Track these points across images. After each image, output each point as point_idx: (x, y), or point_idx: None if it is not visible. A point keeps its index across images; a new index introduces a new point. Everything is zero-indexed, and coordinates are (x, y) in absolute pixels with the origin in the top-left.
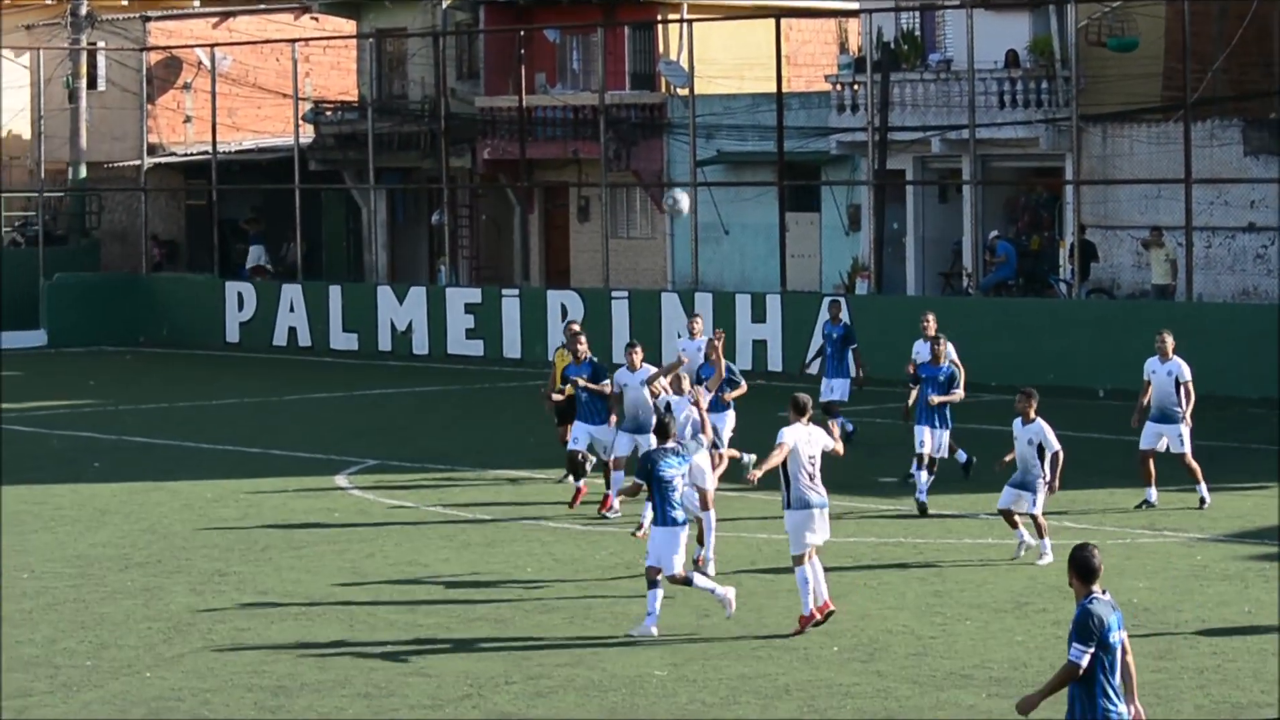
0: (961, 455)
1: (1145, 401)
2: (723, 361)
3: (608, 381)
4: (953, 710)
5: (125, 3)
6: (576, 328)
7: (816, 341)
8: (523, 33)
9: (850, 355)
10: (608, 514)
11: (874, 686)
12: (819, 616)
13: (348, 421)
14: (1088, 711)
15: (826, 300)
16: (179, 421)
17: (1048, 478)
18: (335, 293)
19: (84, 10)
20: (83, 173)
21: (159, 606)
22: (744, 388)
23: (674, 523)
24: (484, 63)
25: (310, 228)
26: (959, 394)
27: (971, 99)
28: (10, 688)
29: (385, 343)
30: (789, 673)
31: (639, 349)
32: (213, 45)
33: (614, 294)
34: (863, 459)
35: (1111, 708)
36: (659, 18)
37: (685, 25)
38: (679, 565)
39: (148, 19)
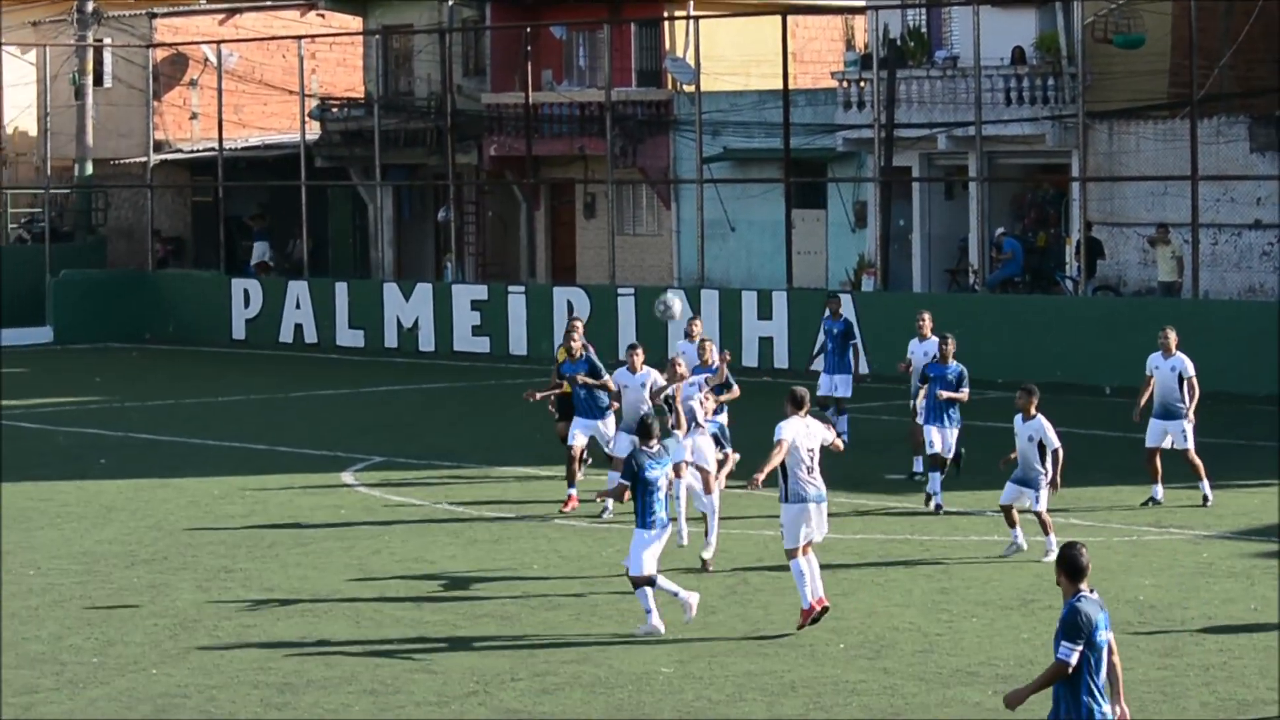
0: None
1: (1146, 396)
2: (726, 374)
3: (608, 377)
4: (959, 707)
5: None
6: (579, 324)
7: (821, 339)
8: (529, 29)
9: (851, 351)
10: (568, 511)
11: (880, 683)
12: (817, 609)
13: (354, 418)
14: (1072, 710)
15: (828, 296)
16: (185, 418)
17: (1049, 475)
18: (341, 289)
19: (90, 7)
20: (89, 169)
21: (165, 603)
22: (736, 391)
23: (654, 525)
24: (490, 59)
25: (316, 224)
26: (965, 393)
27: (978, 96)
28: (17, 684)
29: (391, 339)
30: (795, 670)
31: (640, 351)
32: (219, 42)
33: (620, 291)
34: (869, 456)
35: (1096, 707)
36: (665, 14)
37: (692, 22)
38: (649, 566)
39: (154, 15)
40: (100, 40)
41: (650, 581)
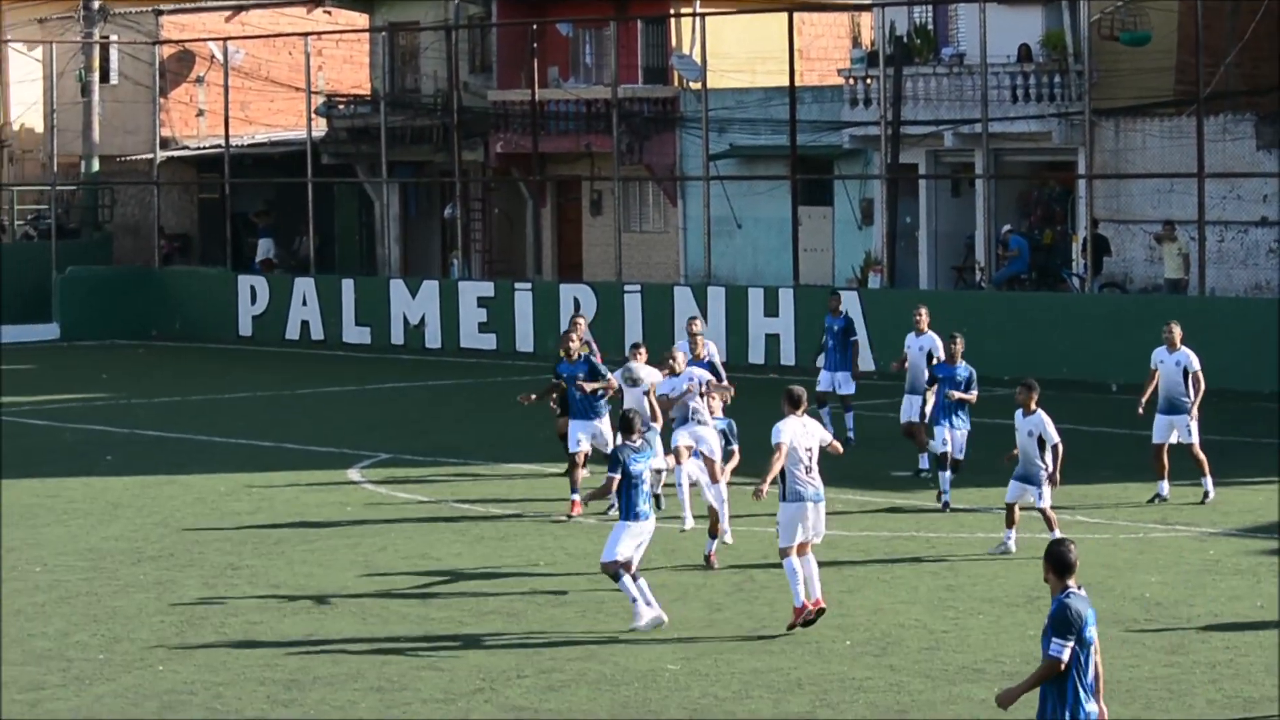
0: (924, 461)
1: (1151, 390)
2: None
3: (611, 377)
4: (965, 704)
5: None
6: (581, 323)
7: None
8: (535, 26)
9: (852, 348)
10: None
11: (886, 681)
12: (811, 610)
13: (360, 415)
14: (1058, 708)
15: (829, 293)
16: (191, 415)
17: (1049, 469)
18: (348, 286)
19: (96, 4)
20: (95, 166)
21: (172, 600)
22: (732, 391)
23: (637, 517)
24: (496, 56)
25: (323, 221)
26: (974, 394)
27: (984, 93)
28: (23, 681)
29: (398, 336)
30: (801, 667)
31: (643, 351)
32: (225, 39)
33: (626, 288)
34: (875, 453)
35: (1081, 705)
36: (672, 11)
37: (698, 19)
38: (620, 554)
39: (160, 12)
40: (106, 37)
41: (624, 569)
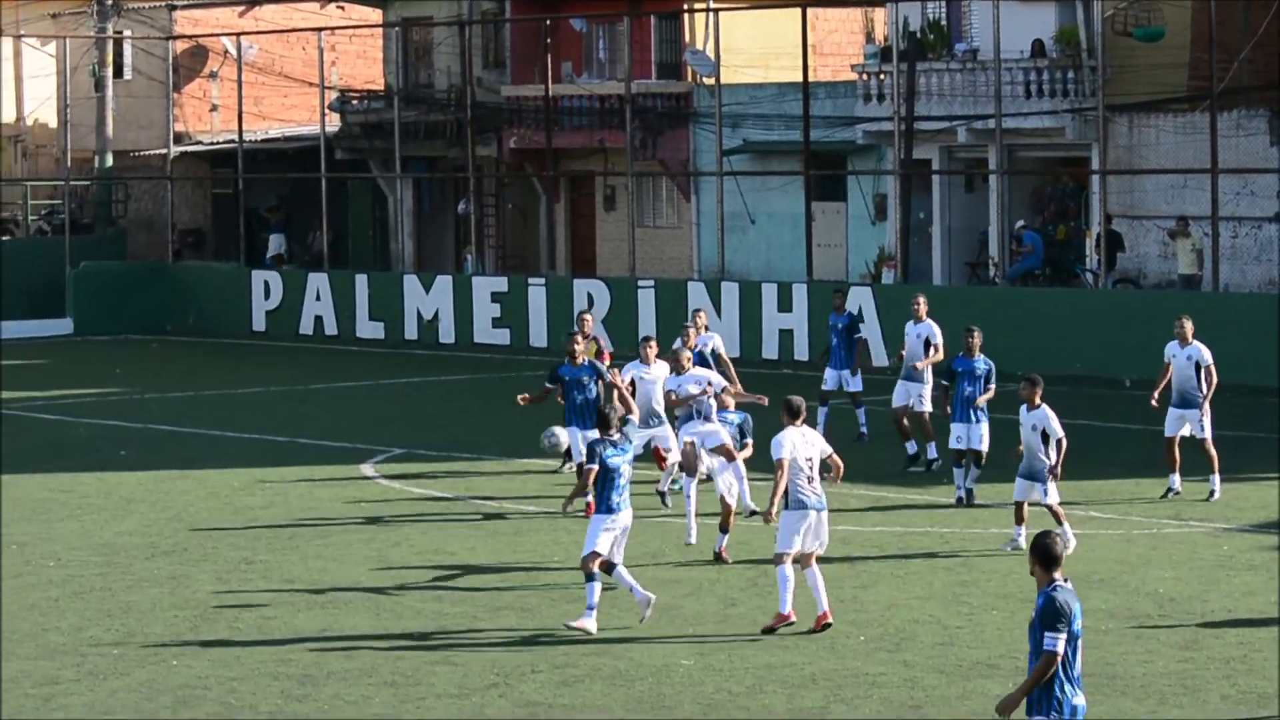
0: (911, 447)
1: (1164, 383)
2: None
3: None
4: (979, 700)
5: None
6: (589, 319)
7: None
8: (549, 22)
9: (856, 345)
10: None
11: (900, 676)
12: (815, 623)
13: (374, 410)
14: (1042, 700)
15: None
16: (205, 410)
17: (1051, 462)
18: (361, 282)
19: None
20: (109, 161)
21: (185, 595)
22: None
23: (612, 510)
24: (510, 52)
25: (336, 216)
26: (992, 389)
27: (998, 89)
28: (37, 676)
29: (411, 331)
30: (815, 662)
31: (654, 343)
32: (239, 34)
33: (640, 283)
34: (888, 448)
35: (1067, 698)
36: (685, 7)
37: (711, 14)
38: (600, 547)
39: (173, 7)
40: (120, 32)
41: (606, 568)
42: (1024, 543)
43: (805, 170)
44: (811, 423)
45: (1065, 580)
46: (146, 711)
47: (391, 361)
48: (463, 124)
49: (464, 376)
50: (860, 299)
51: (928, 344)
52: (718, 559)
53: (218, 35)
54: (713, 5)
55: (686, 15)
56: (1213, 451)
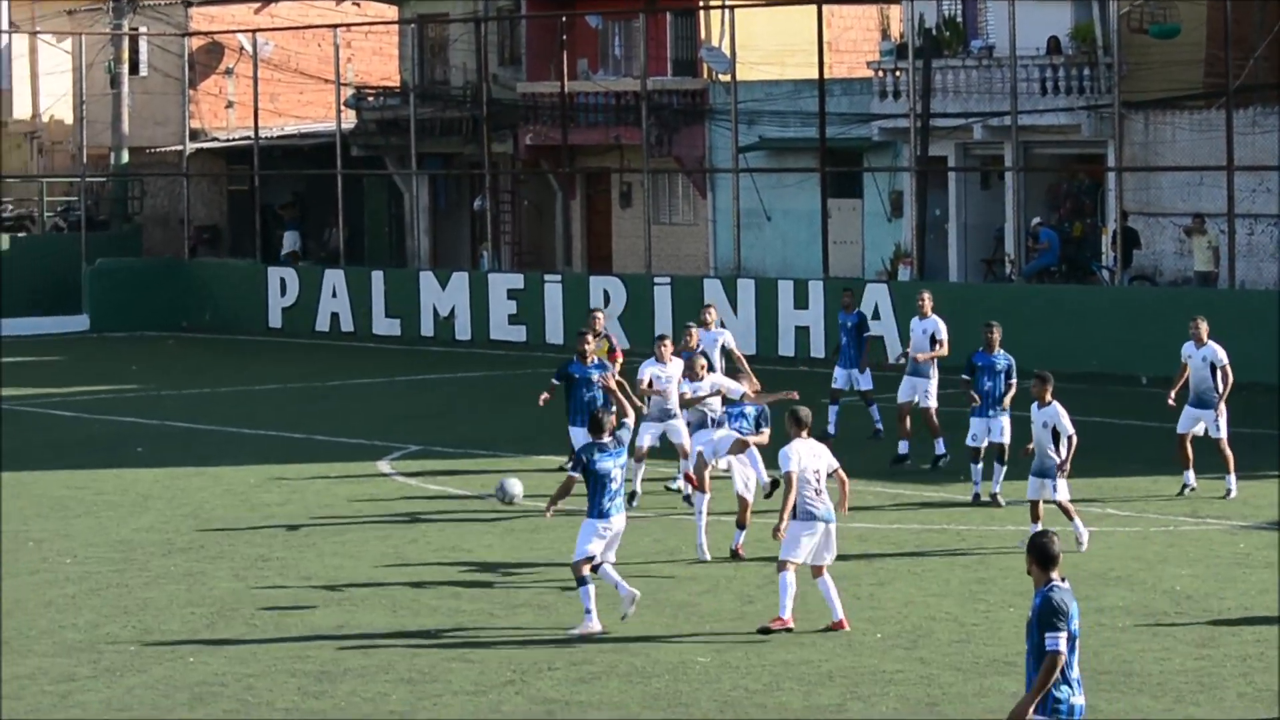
0: (903, 446)
1: (1181, 383)
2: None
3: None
4: (996, 697)
5: None
6: (601, 316)
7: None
8: (564, 18)
9: (865, 344)
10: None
11: (917, 673)
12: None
13: (390, 407)
14: (1042, 701)
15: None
16: (221, 407)
17: (1060, 459)
18: (377, 278)
19: None
20: (125, 158)
21: (202, 591)
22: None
23: (604, 515)
24: (526, 48)
25: (352, 213)
26: (1014, 383)
27: (1014, 85)
28: (54, 672)
29: (428, 328)
30: (832, 659)
31: (669, 342)
32: (255, 30)
33: (656, 280)
34: (912, 444)
35: (1064, 698)
36: (701, 3)
37: (727, 11)
38: (591, 552)
39: (189, 4)
40: (136, 29)
41: (593, 569)
42: None
43: (821, 167)
44: (823, 420)
45: (1063, 580)
46: (163, 708)
47: (407, 358)
48: (479, 121)
49: (480, 373)
50: (876, 296)
51: (933, 339)
52: (734, 556)
53: (233, 32)
54: (728, 2)
55: (702, 12)
56: (1228, 451)
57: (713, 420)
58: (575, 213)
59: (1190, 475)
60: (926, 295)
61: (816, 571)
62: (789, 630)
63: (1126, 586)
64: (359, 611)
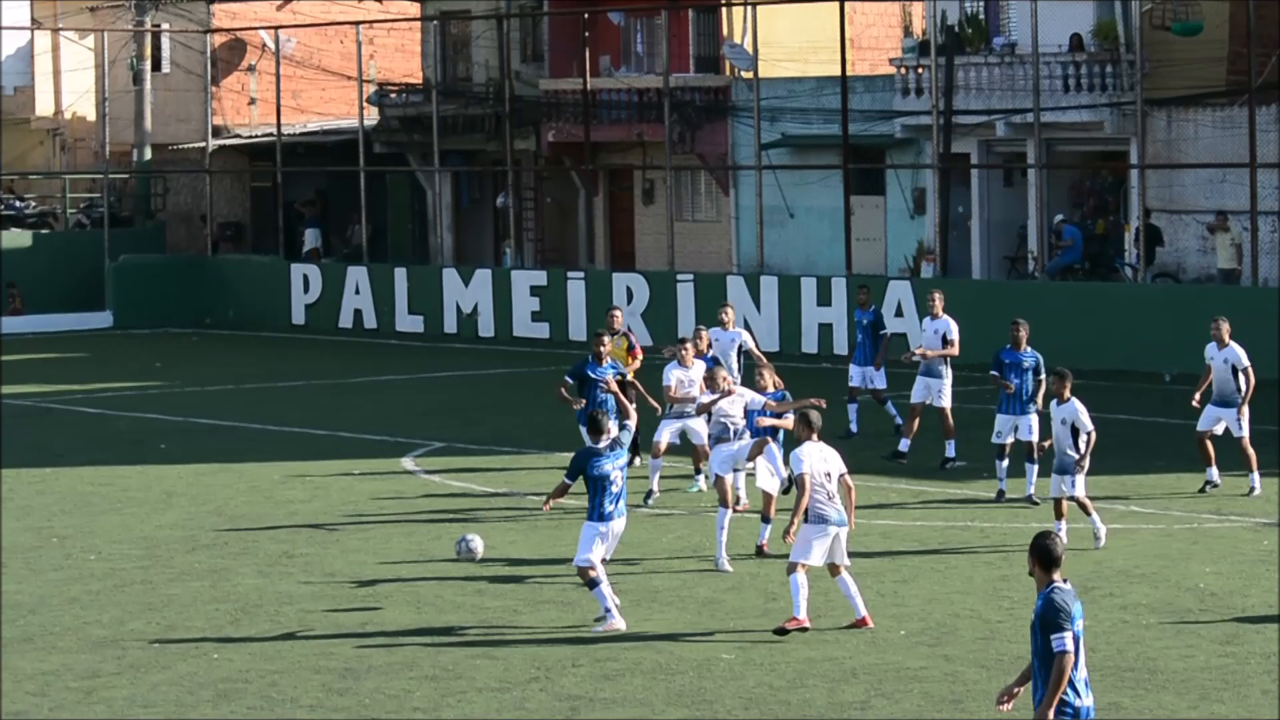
0: (904, 444)
1: (1205, 384)
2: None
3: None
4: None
5: None
6: (619, 314)
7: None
8: (587, 15)
9: (881, 342)
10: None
11: (941, 670)
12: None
13: (414, 404)
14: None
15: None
16: (245, 403)
17: (1079, 455)
18: (400, 275)
19: None
20: (147, 155)
21: (226, 588)
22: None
23: (604, 518)
24: (548, 45)
25: (375, 210)
26: (1042, 379)
27: (1036, 83)
28: (79, 668)
29: (451, 325)
30: (856, 656)
31: (689, 345)
32: (277, 27)
33: (679, 277)
34: (927, 443)
35: (1069, 701)
36: (723, 0)
37: (750, 7)
38: (595, 557)
39: (212, 1)
40: (158, 25)
41: (593, 577)
42: (1064, 537)
43: (844, 164)
44: (842, 418)
45: (1065, 581)
46: (188, 705)
47: (430, 355)
48: (501, 117)
49: (503, 370)
50: (899, 293)
51: (945, 339)
52: (759, 552)
53: (256, 29)
54: None
55: (725, 9)
56: (1250, 450)
57: (735, 431)
58: (598, 209)
59: (1213, 471)
60: (938, 295)
61: (834, 570)
62: (804, 629)
63: (1151, 584)
64: (383, 608)
